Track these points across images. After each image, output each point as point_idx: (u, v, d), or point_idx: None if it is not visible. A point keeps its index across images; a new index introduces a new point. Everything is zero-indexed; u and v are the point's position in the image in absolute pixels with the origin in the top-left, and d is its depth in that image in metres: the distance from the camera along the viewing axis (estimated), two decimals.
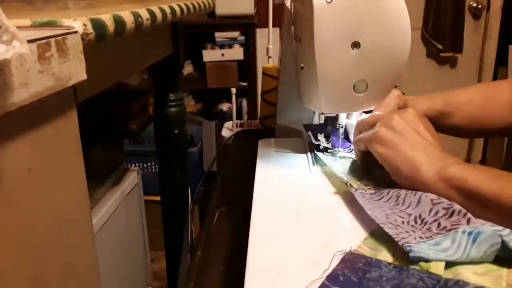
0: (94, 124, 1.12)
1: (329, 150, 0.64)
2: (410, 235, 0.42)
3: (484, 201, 0.45)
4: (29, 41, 0.31)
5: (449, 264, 0.40)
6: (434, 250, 0.41)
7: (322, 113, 0.62)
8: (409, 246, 0.40)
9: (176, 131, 1.04)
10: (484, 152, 2.36)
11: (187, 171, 1.12)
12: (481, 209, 0.45)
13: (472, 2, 2.24)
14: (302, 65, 0.60)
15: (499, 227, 0.42)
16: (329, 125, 0.65)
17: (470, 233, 0.41)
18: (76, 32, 0.39)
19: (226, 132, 0.94)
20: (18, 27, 0.29)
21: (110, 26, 0.47)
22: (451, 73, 2.35)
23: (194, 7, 0.84)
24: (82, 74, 0.39)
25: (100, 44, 0.45)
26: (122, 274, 1.18)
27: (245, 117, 2.31)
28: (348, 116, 0.66)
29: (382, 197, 0.51)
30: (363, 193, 0.52)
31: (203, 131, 1.97)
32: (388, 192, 0.51)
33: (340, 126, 0.64)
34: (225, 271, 0.56)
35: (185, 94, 2.16)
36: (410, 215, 0.47)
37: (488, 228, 0.41)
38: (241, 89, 2.19)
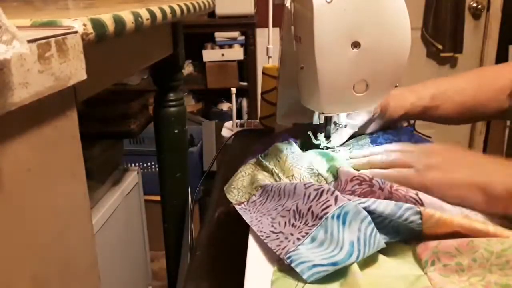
0: (94, 124, 1.12)
1: (329, 150, 0.64)
2: (289, 241, 0.43)
3: None
4: (29, 41, 0.31)
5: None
6: (312, 250, 0.41)
7: (322, 113, 0.62)
8: (289, 257, 0.41)
9: (176, 131, 1.04)
10: (485, 150, 2.37)
11: (187, 171, 1.12)
12: None
13: (472, 2, 2.25)
14: (302, 65, 0.60)
15: (363, 199, 0.43)
16: (329, 125, 0.65)
17: (338, 217, 0.42)
18: (76, 32, 0.39)
19: (226, 132, 0.94)
20: (18, 27, 0.29)
21: (110, 26, 0.47)
22: (451, 73, 2.35)
23: (194, 7, 0.84)
24: (82, 74, 0.39)
25: (100, 44, 0.45)
26: (122, 274, 1.18)
27: (245, 117, 2.31)
28: (348, 116, 0.66)
29: (268, 197, 0.51)
30: (252, 202, 0.52)
31: (203, 131, 1.97)
32: (271, 188, 0.52)
33: (340, 126, 0.64)
34: (225, 271, 0.56)
35: (185, 94, 2.16)
36: (289, 210, 0.47)
37: (351, 204, 0.42)
38: (241, 89, 2.19)
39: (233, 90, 0.98)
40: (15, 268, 0.34)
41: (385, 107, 0.69)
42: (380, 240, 0.41)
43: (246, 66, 2.20)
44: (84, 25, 0.41)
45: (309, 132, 0.66)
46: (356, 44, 0.55)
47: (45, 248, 0.38)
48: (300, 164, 0.57)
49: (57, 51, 0.35)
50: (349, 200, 0.43)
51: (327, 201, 0.44)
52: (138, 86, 2.18)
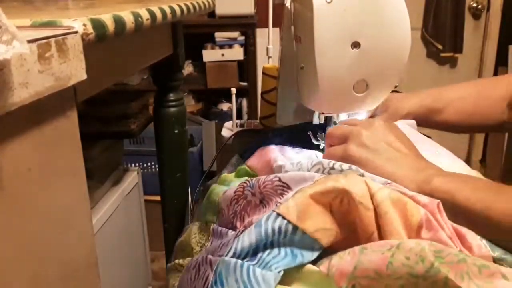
0: (94, 124, 1.12)
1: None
2: None
3: (472, 218, 0.43)
4: (29, 41, 0.31)
5: None
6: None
7: (322, 113, 0.62)
8: None
9: (176, 131, 1.04)
10: (484, 152, 2.36)
11: (187, 171, 1.12)
12: (468, 224, 0.43)
13: (472, 2, 2.25)
14: (302, 65, 0.60)
15: (230, 244, 0.42)
16: (329, 125, 0.65)
17: (215, 282, 0.40)
18: (76, 32, 0.39)
19: (226, 132, 0.94)
20: (18, 27, 0.29)
21: (110, 26, 0.47)
22: (451, 73, 2.35)
23: (194, 7, 0.84)
24: (82, 74, 0.39)
25: (100, 44, 0.45)
26: (122, 274, 1.18)
27: (245, 117, 2.31)
28: (348, 116, 0.66)
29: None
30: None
31: (203, 131, 1.97)
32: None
33: None
34: None
35: (185, 94, 2.16)
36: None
37: (222, 260, 0.41)
38: (241, 89, 2.19)
39: (233, 90, 0.98)
40: (15, 268, 0.34)
41: (385, 107, 0.69)
42: (270, 277, 0.39)
43: (246, 66, 2.20)
44: (84, 25, 0.41)
45: (309, 132, 0.66)
46: (356, 44, 0.55)
47: (45, 248, 0.38)
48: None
49: (57, 51, 0.35)
50: (219, 256, 0.41)
51: (205, 272, 0.42)
52: (138, 86, 2.18)
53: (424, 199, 0.43)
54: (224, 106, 2.36)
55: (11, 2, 0.73)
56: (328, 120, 0.65)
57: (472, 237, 0.42)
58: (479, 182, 0.47)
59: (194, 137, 1.94)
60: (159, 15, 0.62)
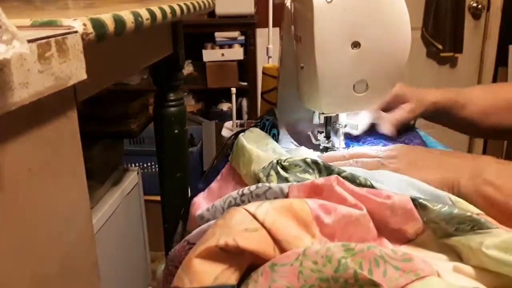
0: (94, 124, 1.12)
1: (329, 150, 0.64)
2: None
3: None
4: (29, 41, 0.31)
5: None
6: None
7: (322, 113, 0.62)
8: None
9: (176, 131, 1.04)
10: (484, 152, 2.37)
11: (187, 171, 1.12)
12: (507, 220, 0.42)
13: (472, 2, 2.25)
14: (302, 65, 0.60)
15: None
16: (329, 125, 0.65)
17: None
18: (76, 32, 0.39)
19: (226, 132, 0.94)
20: (18, 27, 0.29)
21: (110, 26, 0.47)
22: (451, 73, 2.35)
23: (194, 7, 0.84)
24: (82, 74, 0.39)
25: (100, 44, 0.45)
26: (122, 274, 1.18)
27: (245, 117, 2.31)
28: (348, 116, 0.66)
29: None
30: None
31: (203, 131, 1.97)
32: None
33: (340, 126, 0.64)
34: None
35: (185, 94, 2.16)
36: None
37: None
38: (241, 89, 2.19)
39: (233, 90, 0.98)
40: (15, 268, 0.34)
41: (396, 99, 0.67)
42: None
43: (246, 66, 2.20)
44: (84, 25, 0.41)
45: (309, 132, 0.66)
46: (356, 44, 0.55)
47: (45, 248, 0.38)
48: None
49: (57, 51, 0.35)
50: None
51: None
52: (138, 86, 2.18)
53: (320, 180, 0.43)
54: (224, 106, 2.36)
55: (11, 2, 0.73)
56: (328, 120, 0.65)
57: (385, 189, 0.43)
58: None
59: (194, 137, 1.94)
60: (159, 15, 0.62)
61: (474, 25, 2.29)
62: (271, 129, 0.66)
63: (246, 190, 0.47)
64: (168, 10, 0.67)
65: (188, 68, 2.29)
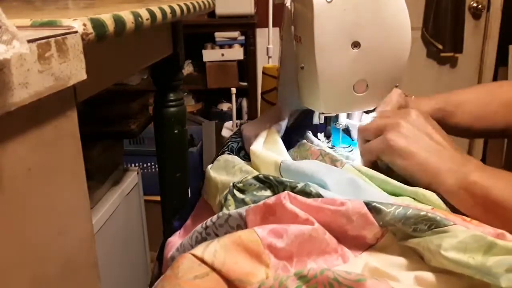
0: (94, 124, 1.12)
1: (328, 150, 0.64)
2: None
3: (507, 215, 0.42)
4: (29, 41, 0.31)
5: None
6: None
7: (322, 113, 0.62)
8: None
9: (176, 131, 1.04)
10: (484, 152, 2.37)
11: (187, 171, 1.12)
12: (503, 222, 0.42)
13: (472, 2, 2.25)
14: (302, 65, 0.60)
15: None
16: (329, 125, 0.65)
17: None
18: (76, 32, 0.39)
19: (226, 132, 0.94)
20: (18, 27, 0.29)
21: (110, 26, 0.47)
22: (451, 73, 2.35)
23: (194, 7, 0.84)
24: (82, 74, 0.39)
25: (100, 44, 0.45)
26: (122, 274, 1.18)
27: (245, 117, 2.31)
28: (348, 116, 0.65)
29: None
30: None
31: (203, 131, 1.97)
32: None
33: (340, 126, 0.64)
34: None
35: (185, 94, 2.16)
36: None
37: None
38: (241, 89, 2.19)
39: (233, 90, 0.98)
40: (15, 268, 0.34)
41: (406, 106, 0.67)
42: None
43: (246, 66, 2.20)
44: (84, 25, 0.41)
45: (309, 132, 0.66)
46: (356, 44, 0.55)
47: (45, 248, 0.38)
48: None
49: (57, 51, 0.35)
50: None
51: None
52: (138, 86, 2.18)
53: (272, 199, 0.43)
54: (224, 106, 2.36)
55: (11, 2, 0.73)
56: (328, 120, 0.65)
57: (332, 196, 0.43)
58: None
59: (194, 137, 1.94)
60: (159, 15, 0.62)
61: (474, 25, 2.29)
62: (239, 151, 0.66)
63: (209, 222, 0.46)
64: (168, 10, 0.67)
65: (188, 68, 2.29)
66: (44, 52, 0.33)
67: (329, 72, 0.56)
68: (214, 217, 0.46)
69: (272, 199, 0.43)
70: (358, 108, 0.62)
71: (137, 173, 1.27)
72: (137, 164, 1.69)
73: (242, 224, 0.44)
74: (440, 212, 0.42)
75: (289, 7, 0.63)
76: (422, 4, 2.25)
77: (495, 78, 2.28)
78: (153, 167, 1.86)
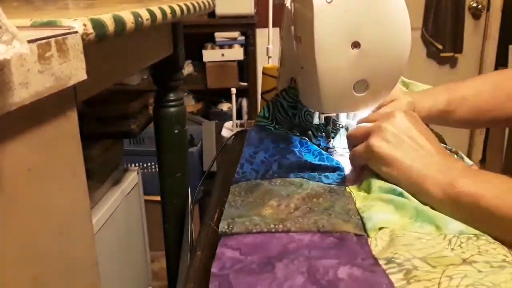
0: (94, 124, 1.12)
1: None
2: None
3: (496, 223, 0.42)
4: (29, 41, 0.31)
5: None
6: None
7: (322, 113, 0.62)
8: None
9: (176, 131, 1.04)
10: (484, 152, 2.37)
11: (187, 171, 1.12)
12: (492, 229, 0.42)
13: (472, 2, 2.25)
14: (302, 65, 0.60)
15: None
16: (329, 125, 0.65)
17: None
18: (76, 32, 0.39)
19: (226, 132, 0.94)
20: (18, 27, 0.29)
21: (110, 26, 0.47)
22: (451, 73, 2.35)
23: (194, 7, 0.84)
24: (82, 74, 0.39)
25: (100, 44, 0.45)
26: (122, 274, 1.18)
27: (245, 117, 2.31)
28: (348, 116, 0.66)
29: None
30: None
31: (203, 131, 1.97)
32: None
33: (340, 126, 0.64)
34: None
35: (185, 94, 2.16)
36: None
37: None
38: (241, 89, 2.19)
39: (233, 90, 0.98)
40: (15, 268, 0.34)
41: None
42: None
43: (246, 66, 2.20)
44: (84, 25, 0.41)
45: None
46: (356, 44, 0.55)
47: (45, 248, 0.38)
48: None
49: (57, 51, 0.35)
50: None
51: None
52: (138, 86, 2.18)
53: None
54: (224, 106, 2.36)
55: (11, 2, 0.73)
56: (328, 120, 0.65)
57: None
58: (505, 184, 0.44)
59: (194, 137, 1.94)
60: (159, 15, 0.62)
61: (474, 25, 2.29)
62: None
63: None
64: (168, 11, 0.67)
65: (188, 68, 2.28)
66: (44, 52, 0.33)
67: (329, 72, 0.56)
68: None
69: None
70: (358, 108, 0.62)
71: (137, 173, 1.27)
72: (137, 164, 1.69)
73: None
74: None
75: (289, 7, 0.63)
76: (422, 4, 2.25)
77: None
78: (153, 167, 1.86)
